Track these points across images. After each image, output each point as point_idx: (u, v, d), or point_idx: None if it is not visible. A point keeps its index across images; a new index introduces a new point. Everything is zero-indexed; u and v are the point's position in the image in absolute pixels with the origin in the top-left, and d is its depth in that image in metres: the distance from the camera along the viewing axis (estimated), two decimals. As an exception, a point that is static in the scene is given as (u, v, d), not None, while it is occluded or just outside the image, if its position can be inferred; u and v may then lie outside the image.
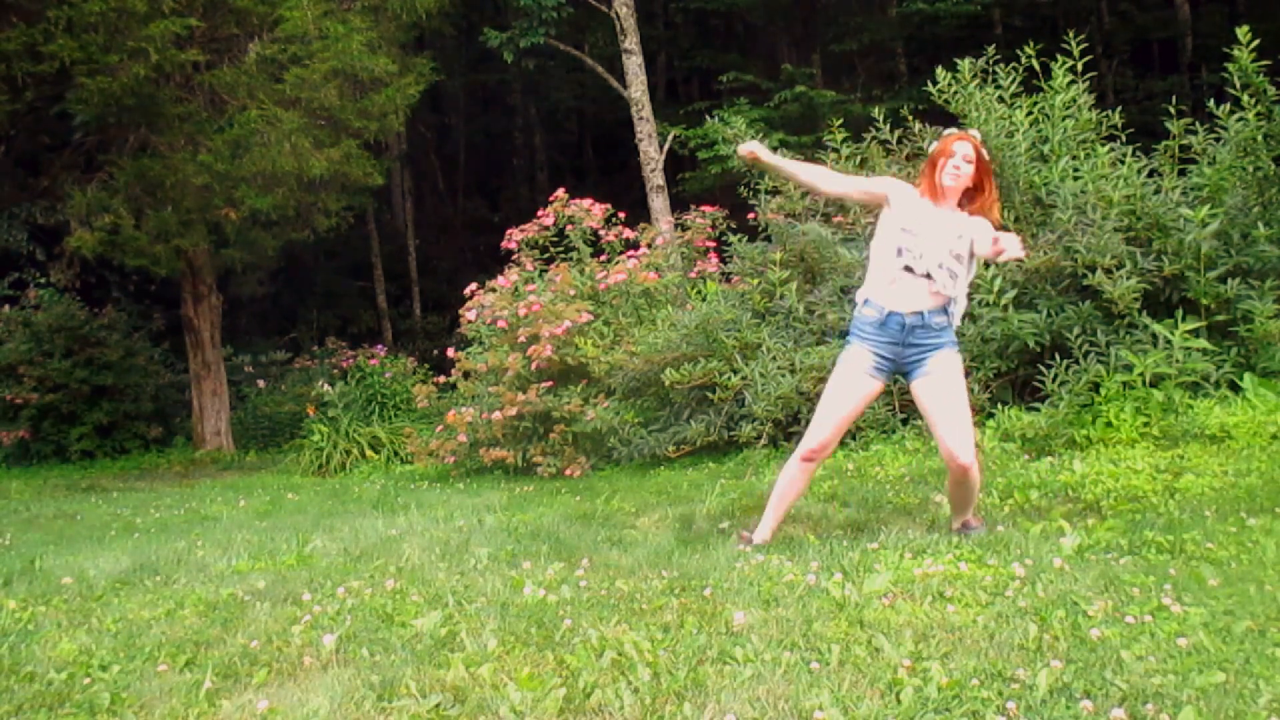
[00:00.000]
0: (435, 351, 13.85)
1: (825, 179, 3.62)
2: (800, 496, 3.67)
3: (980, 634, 2.40)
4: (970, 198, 3.43)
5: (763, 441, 5.85)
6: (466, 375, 7.76)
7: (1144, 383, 4.88)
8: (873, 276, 3.47)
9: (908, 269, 3.36)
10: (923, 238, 3.35)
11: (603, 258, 8.21)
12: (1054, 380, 5.06)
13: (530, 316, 7.18)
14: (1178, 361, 4.90)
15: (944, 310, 3.40)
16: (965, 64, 6.05)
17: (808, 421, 3.65)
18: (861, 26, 14.32)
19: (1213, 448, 4.42)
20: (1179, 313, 5.06)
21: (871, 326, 3.43)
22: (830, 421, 3.48)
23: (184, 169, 9.75)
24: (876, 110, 6.82)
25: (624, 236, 8.33)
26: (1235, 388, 5.01)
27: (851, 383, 3.46)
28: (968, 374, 5.46)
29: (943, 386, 3.38)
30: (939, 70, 6.15)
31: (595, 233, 8.35)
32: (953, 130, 3.53)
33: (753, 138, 7.11)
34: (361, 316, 17.87)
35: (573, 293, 7.46)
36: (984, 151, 3.45)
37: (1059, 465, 4.46)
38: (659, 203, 10.82)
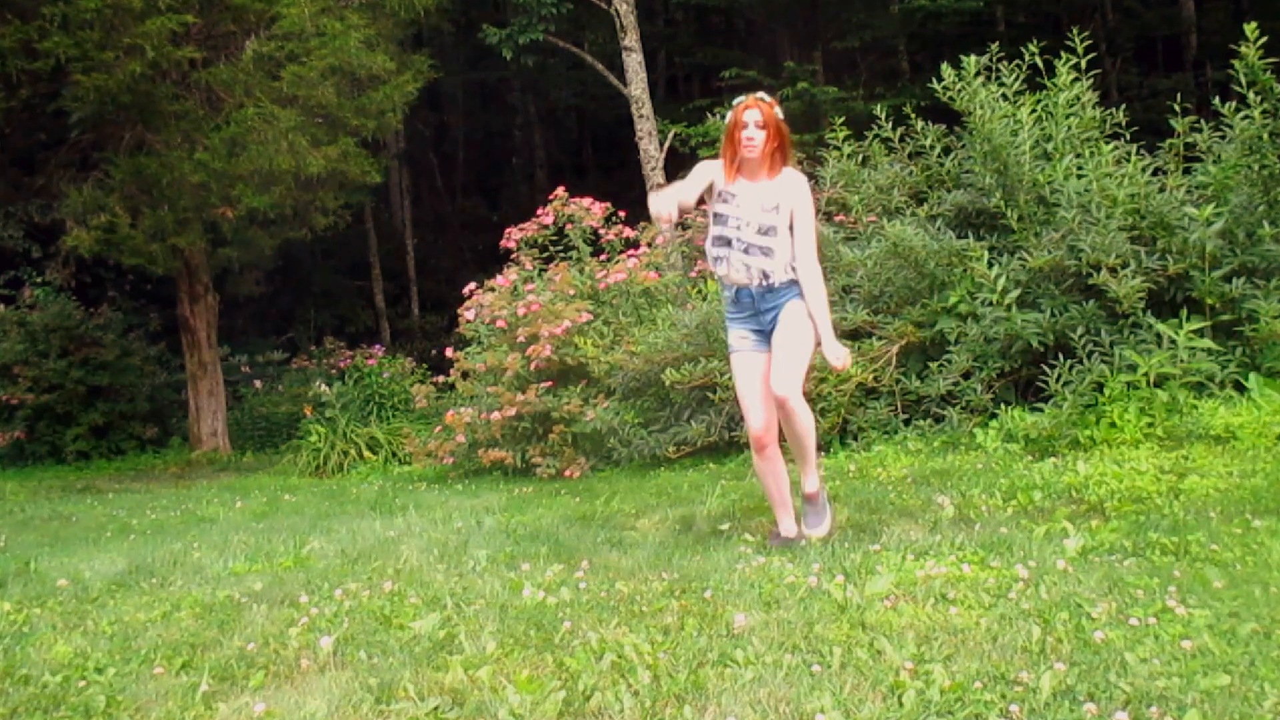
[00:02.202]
0: (433, 351, 13.86)
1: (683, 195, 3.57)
2: (786, 477, 3.67)
3: (983, 636, 2.40)
4: (780, 158, 3.47)
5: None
6: (465, 375, 7.76)
7: (1148, 383, 4.88)
8: (710, 262, 3.58)
9: (723, 241, 3.45)
10: (730, 221, 3.44)
11: (602, 257, 8.20)
12: (1057, 380, 5.06)
13: (529, 316, 7.17)
14: (1182, 361, 4.90)
15: (786, 271, 3.45)
16: (970, 61, 6.05)
17: None
18: (864, 23, 14.32)
19: (1217, 449, 4.41)
20: (1183, 312, 5.06)
21: (731, 305, 3.56)
22: (752, 404, 3.52)
23: (180, 167, 9.75)
24: (879, 108, 6.82)
25: (624, 235, 8.33)
26: (1240, 388, 5.01)
27: (747, 363, 3.54)
28: (970, 373, 5.50)
29: (782, 332, 3.45)
30: (944, 67, 6.15)
31: (595, 231, 8.34)
32: (742, 98, 3.52)
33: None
34: (359, 316, 17.87)
35: (572, 292, 7.46)
36: (775, 110, 3.46)
37: (1062, 466, 4.45)
38: (659, 201, 10.79)
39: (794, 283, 3.48)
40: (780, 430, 3.58)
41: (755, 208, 3.44)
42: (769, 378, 3.45)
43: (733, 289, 3.52)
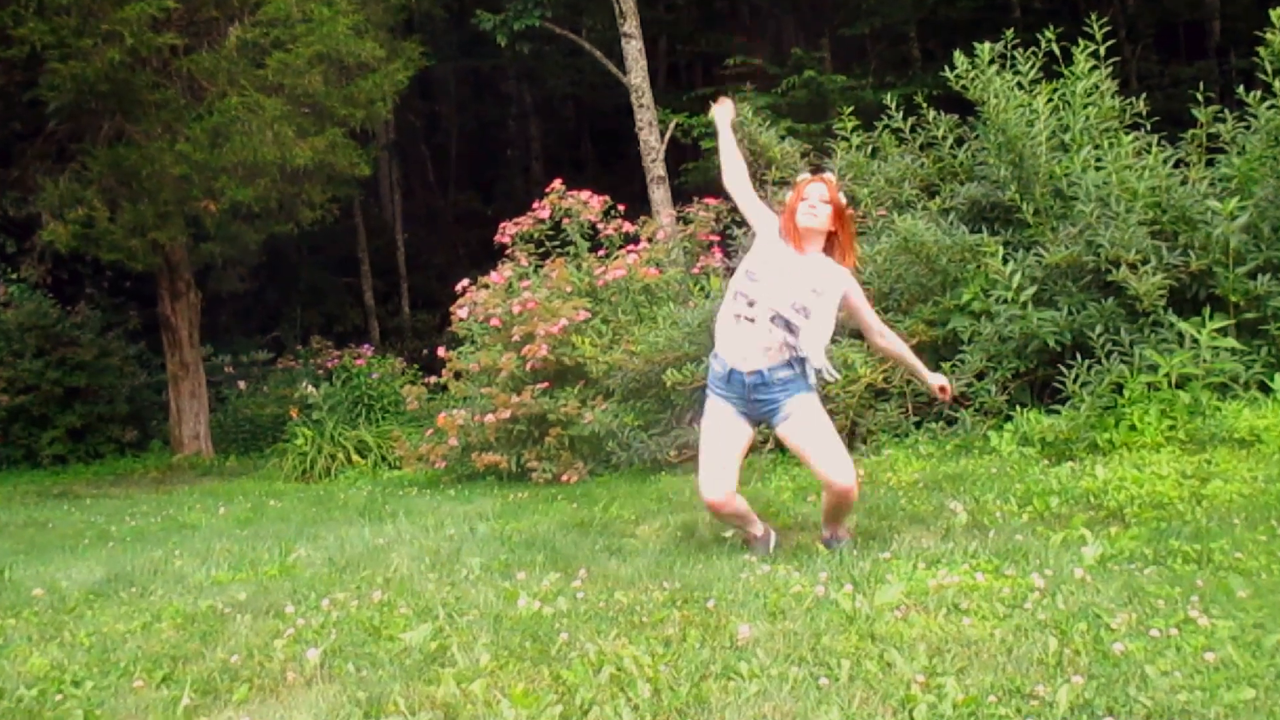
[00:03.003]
0: (425, 351, 13.86)
1: (732, 173, 3.70)
2: (744, 503, 3.69)
3: (997, 648, 2.40)
4: (831, 243, 3.54)
5: (769, 446, 5.85)
6: (458, 376, 7.76)
7: (1169, 384, 4.88)
8: (719, 326, 3.56)
9: (742, 317, 3.44)
10: (765, 284, 3.42)
11: (601, 252, 8.20)
12: (1075, 381, 5.06)
13: (525, 314, 7.18)
14: (1205, 361, 4.90)
15: (789, 364, 3.43)
16: (984, 49, 6.05)
17: None
18: (873, 9, 14.31)
19: (1241, 452, 4.41)
20: (1206, 310, 5.06)
21: (719, 381, 3.53)
22: (713, 469, 3.50)
23: (161, 159, 9.75)
24: (889, 97, 6.82)
25: (623, 230, 8.33)
26: (1265, 389, 5.01)
27: (724, 424, 3.53)
28: (984, 374, 5.50)
29: (806, 423, 3.47)
30: (956, 55, 6.15)
31: (593, 226, 8.34)
32: (805, 174, 3.66)
33: (759, 125, 7.13)
34: (347, 314, 17.87)
35: (569, 289, 7.46)
36: (840, 195, 3.54)
37: (1080, 470, 4.46)
38: (660, 194, 10.81)
39: (794, 379, 3.45)
40: (827, 505, 3.61)
41: (797, 281, 3.43)
42: (740, 455, 3.54)
43: (725, 368, 3.48)
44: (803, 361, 3.44)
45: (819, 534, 3.76)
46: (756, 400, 3.48)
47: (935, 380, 3.70)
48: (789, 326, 3.39)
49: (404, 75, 11.25)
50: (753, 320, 3.41)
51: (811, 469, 3.55)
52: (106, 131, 10.40)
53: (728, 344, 3.49)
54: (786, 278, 3.43)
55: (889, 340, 3.68)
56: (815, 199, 3.48)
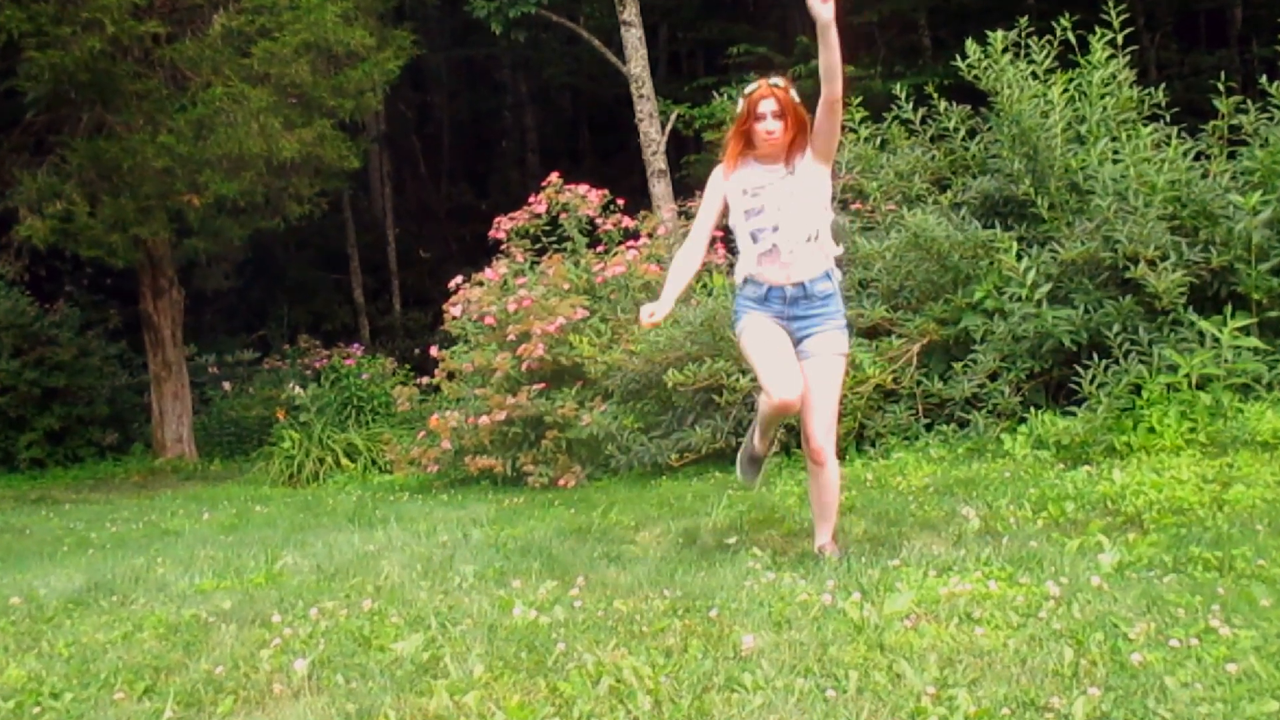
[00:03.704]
0: (417, 351, 13.87)
1: (691, 251, 3.65)
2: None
3: (1011, 659, 2.40)
4: (799, 147, 3.47)
5: (774, 449, 5.84)
6: (451, 376, 7.76)
7: (1190, 385, 4.88)
8: (743, 260, 3.54)
9: (766, 231, 3.44)
10: (770, 204, 3.43)
11: (600, 248, 8.20)
12: (1091, 382, 5.06)
13: (520, 312, 7.18)
14: (1226, 361, 4.90)
15: (826, 275, 3.48)
16: (997, 37, 6.05)
17: None
18: (882, -5, 14.31)
19: (1264, 455, 4.41)
20: (1228, 308, 5.06)
21: (754, 301, 3.53)
22: (778, 368, 3.44)
23: (143, 151, 9.75)
24: (898, 87, 6.82)
25: (623, 225, 8.33)
26: (1289, 390, 5.02)
27: (770, 332, 3.49)
28: (997, 375, 5.50)
29: (817, 372, 3.47)
30: (969, 43, 6.15)
31: (591, 221, 8.34)
32: (754, 85, 3.51)
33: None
34: (336, 312, 17.88)
35: (567, 286, 7.46)
36: (792, 93, 3.47)
37: (1097, 475, 4.46)
38: (661, 188, 10.82)
39: (831, 294, 3.49)
40: (810, 489, 3.62)
41: (790, 197, 3.45)
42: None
43: (763, 287, 3.49)
44: (830, 276, 3.49)
45: (850, 545, 3.75)
46: (796, 318, 3.48)
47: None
48: (810, 237, 3.43)
49: (395, 64, 11.26)
50: (778, 240, 3.43)
51: (802, 421, 3.53)
52: (86, 123, 10.41)
53: (763, 269, 3.47)
54: (781, 198, 3.43)
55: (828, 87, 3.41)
56: (769, 116, 3.42)
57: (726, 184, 3.55)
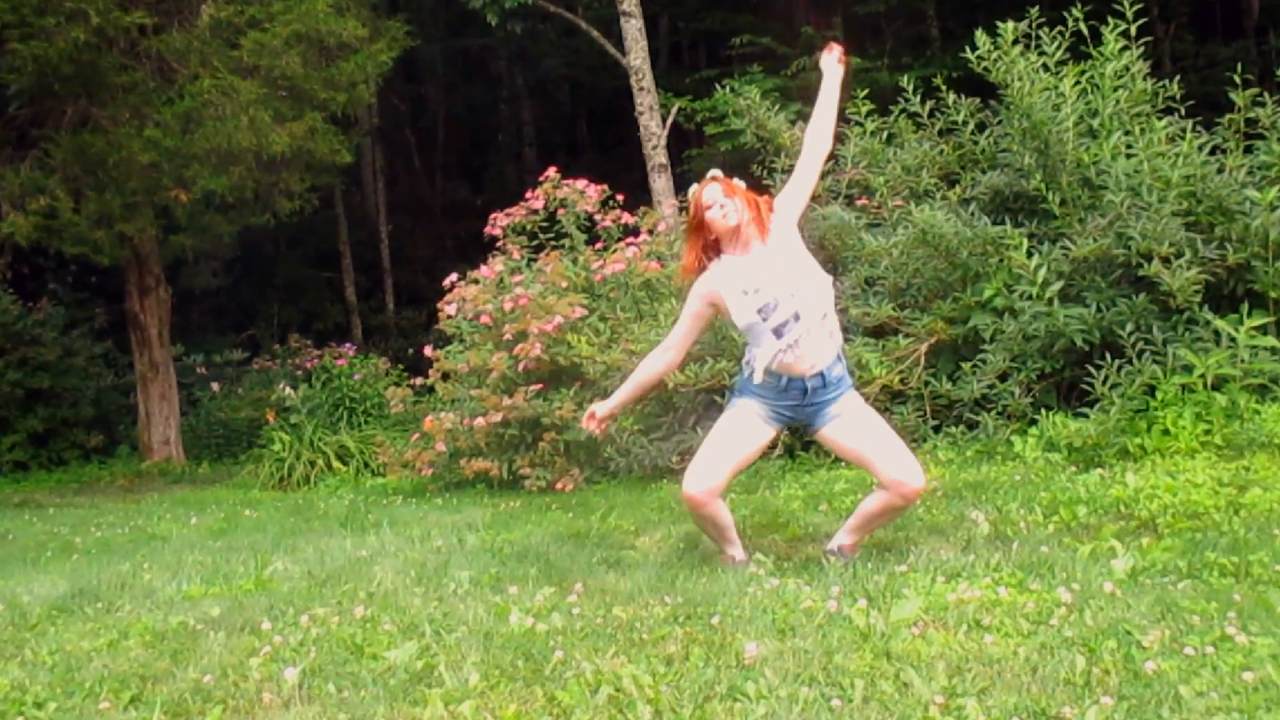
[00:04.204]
0: (410, 350, 13.86)
1: (663, 360, 3.73)
2: (730, 523, 3.72)
3: (1021, 667, 2.40)
4: (757, 223, 3.49)
5: (778, 451, 5.85)
6: (445, 377, 7.76)
7: (1205, 385, 4.88)
8: (760, 358, 3.47)
9: (788, 320, 3.39)
10: (775, 290, 3.41)
11: (598, 245, 8.20)
12: (1104, 382, 5.06)
13: (517, 311, 7.18)
14: (1243, 361, 4.90)
15: (838, 356, 3.51)
16: (1007, 28, 6.06)
17: None
18: (890, -15, 14.31)
19: (1282, 458, 4.42)
20: (1244, 307, 5.06)
21: (769, 390, 3.51)
22: (721, 465, 3.51)
23: (129, 145, 9.75)
24: (906, 79, 6.82)
25: (622, 221, 8.33)
26: (1308, 391, 5.02)
27: (750, 427, 3.54)
28: (1007, 375, 5.51)
29: (860, 422, 3.51)
30: (978, 34, 6.15)
31: (590, 217, 8.34)
32: (691, 188, 3.60)
33: (768, 110, 7.11)
34: (328, 311, 17.88)
35: (565, 284, 7.46)
36: (735, 181, 3.56)
37: (1110, 478, 4.46)
38: (661, 183, 10.82)
39: (844, 374, 3.53)
40: (878, 510, 3.59)
41: (789, 275, 3.43)
42: (747, 460, 3.59)
43: (784, 379, 3.46)
44: (841, 358, 3.53)
45: (826, 542, 3.75)
46: (811, 405, 3.50)
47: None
48: (824, 314, 3.45)
49: (388, 56, 11.26)
50: (801, 326, 3.39)
51: (874, 471, 3.50)
52: (70, 116, 10.40)
53: (784, 361, 3.42)
54: (780, 279, 3.42)
55: (818, 129, 3.63)
56: (717, 205, 3.45)
57: (711, 291, 3.52)
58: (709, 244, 3.53)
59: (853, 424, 3.50)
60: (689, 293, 3.62)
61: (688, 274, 3.60)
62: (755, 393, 3.54)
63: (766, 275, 3.43)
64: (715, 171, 3.58)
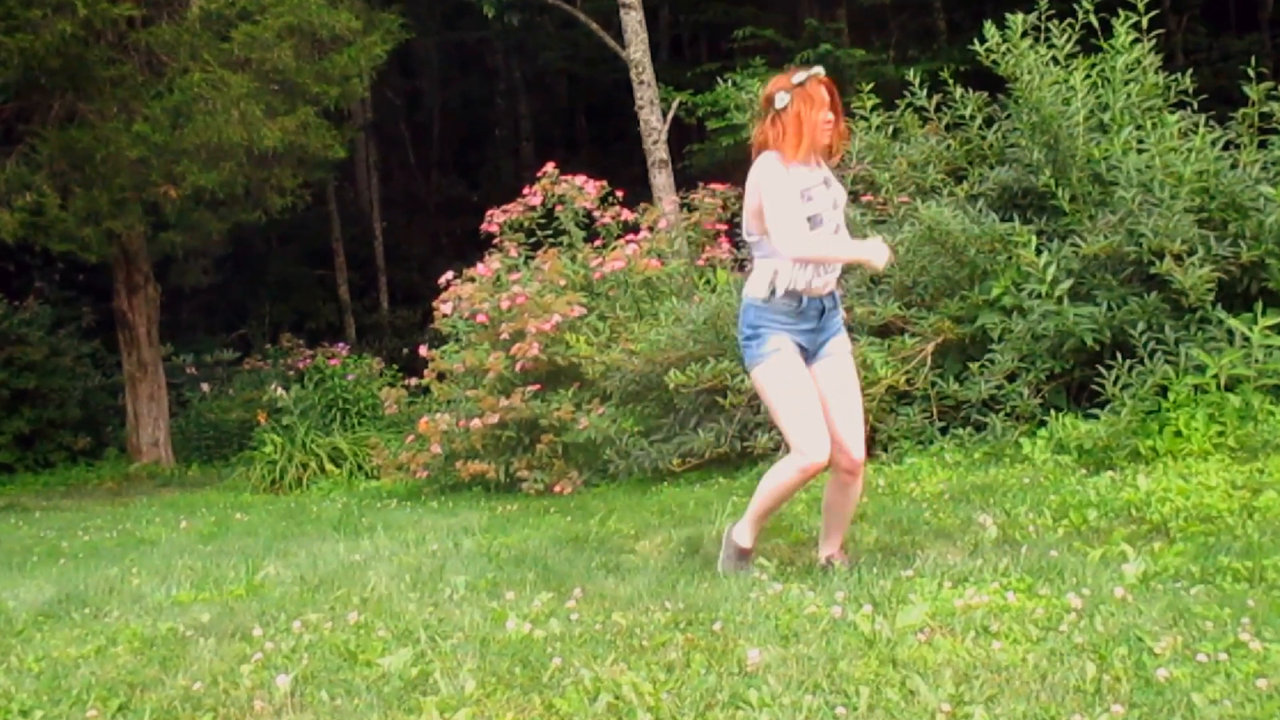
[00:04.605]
0: (405, 350, 13.88)
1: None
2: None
3: (1030, 674, 2.40)
4: (837, 144, 3.53)
5: (780, 453, 5.84)
6: (441, 377, 7.76)
7: (1218, 386, 4.88)
8: (791, 266, 3.39)
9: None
10: (827, 211, 3.43)
11: (597, 242, 8.21)
12: (1115, 383, 5.06)
13: (514, 310, 7.18)
14: (1257, 361, 4.90)
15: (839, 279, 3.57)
16: (1016, 20, 6.05)
17: None
18: (895, -24, 14.33)
19: (1297, 461, 4.42)
20: (1258, 305, 5.06)
21: (786, 316, 3.44)
22: (817, 425, 3.40)
23: (117, 140, 9.76)
24: (912, 72, 6.82)
25: (622, 218, 8.33)
26: (1323, 392, 5.01)
27: (803, 374, 3.46)
28: (1016, 375, 5.50)
29: (842, 373, 3.52)
30: (986, 26, 6.15)
31: (589, 214, 8.35)
32: (806, 75, 3.42)
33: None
34: (321, 310, 17.90)
35: (563, 283, 7.47)
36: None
37: (1121, 480, 4.46)
38: (662, 179, 10.81)
39: (837, 294, 3.57)
40: (829, 499, 3.60)
41: (834, 200, 3.47)
42: (833, 422, 3.45)
43: (803, 300, 3.44)
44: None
45: (861, 554, 3.75)
46: (822, 328, 3.50)
47: (875, 251, 3.50)
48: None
49: (382, 49, 11.26)
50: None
51: (828, 424, 3.46)
52: (57, 111, 10.41)
53: (804, 277, 3.39)
54: (831, 201, 3.45)
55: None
56: (828, 108, 3.42)
57: (790, 178, 3.40)
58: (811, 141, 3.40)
59: (835, 371, 3.50)
60: (769, 182, 3.38)
61: (791, 157, 3.37)
62: (775, 321, 3.43)
63: (818, 190, 3.44)
64: (819, 68, 3.46)
